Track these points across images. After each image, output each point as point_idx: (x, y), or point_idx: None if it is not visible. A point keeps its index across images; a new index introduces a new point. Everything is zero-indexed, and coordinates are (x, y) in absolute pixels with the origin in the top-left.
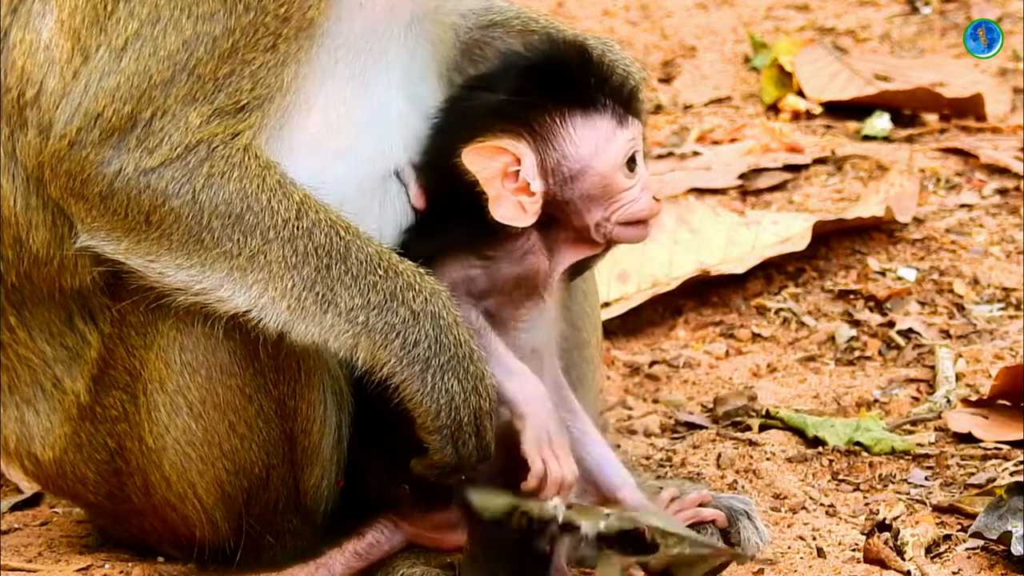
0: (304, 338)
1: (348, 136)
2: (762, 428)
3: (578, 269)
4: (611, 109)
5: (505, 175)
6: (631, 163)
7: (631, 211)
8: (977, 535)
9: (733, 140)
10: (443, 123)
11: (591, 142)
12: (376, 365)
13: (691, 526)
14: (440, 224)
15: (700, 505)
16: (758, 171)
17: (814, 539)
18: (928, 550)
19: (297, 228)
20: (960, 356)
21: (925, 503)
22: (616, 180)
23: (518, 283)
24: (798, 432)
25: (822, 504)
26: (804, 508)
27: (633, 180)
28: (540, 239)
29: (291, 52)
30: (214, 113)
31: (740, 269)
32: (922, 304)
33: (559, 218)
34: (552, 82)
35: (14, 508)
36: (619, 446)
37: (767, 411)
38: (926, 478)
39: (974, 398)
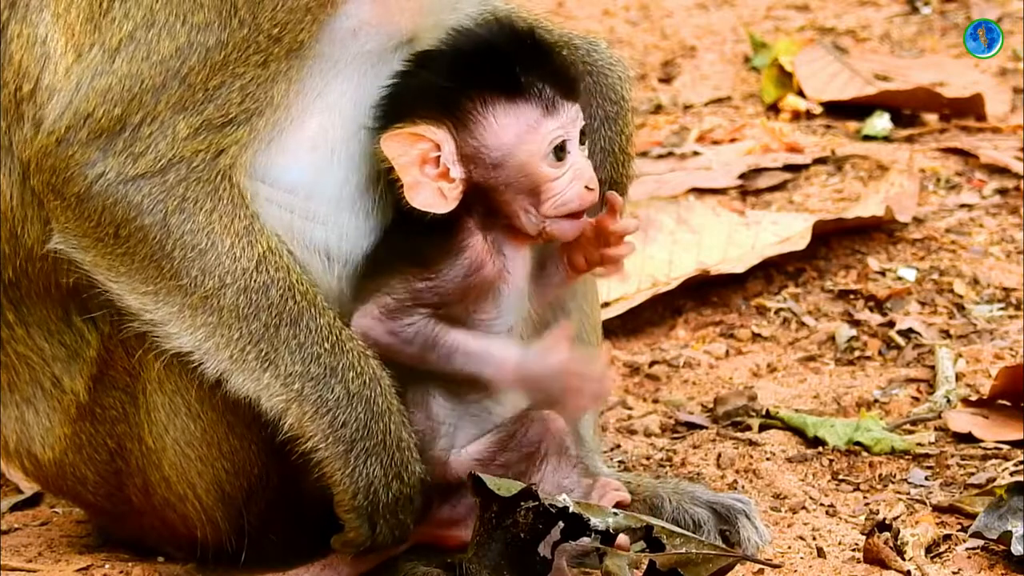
0: (239, 390)
1: (340, 141)
2: (762, 428)
3: None
4: (540, 96)
5: (425, 160)
6: (559, 152)
7: (559, 203)
8: (977, 535)
9: (733, 140)
10: (377, 109)
11: (512, 130)
12: (302, 436)
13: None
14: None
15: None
16: (758, 171)
17: (814, 539)
18: (928, 550)
19: (253, 280)
20: (960, 356)
21: (925, 503)
22: (539, 170)
23: (468, 292)
24: (798, 432)
25: (822, 504)
26: (804, 508)
27: (560, 170)
28: (485, 242)
29: (281, 71)
30: (202, 125)
31: (740, 269)
32: (922, 304)
33: (492, 208)
34: (478, 67)
35: (14, 508)
36: (619, 446)
37: (767, 411)
38: (926, 478)
39: (974, 398)
